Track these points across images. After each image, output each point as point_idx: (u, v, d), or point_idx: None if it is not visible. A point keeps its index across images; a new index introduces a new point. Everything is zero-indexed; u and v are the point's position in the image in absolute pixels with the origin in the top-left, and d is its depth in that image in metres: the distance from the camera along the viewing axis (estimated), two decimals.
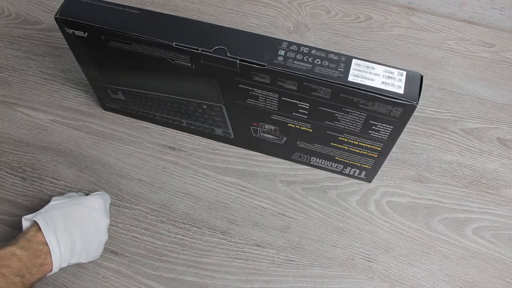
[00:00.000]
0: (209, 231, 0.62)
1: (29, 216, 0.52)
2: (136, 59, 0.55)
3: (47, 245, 0.49)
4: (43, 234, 0.49)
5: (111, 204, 0.63)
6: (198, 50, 0.50)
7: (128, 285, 0.58)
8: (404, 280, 0.58)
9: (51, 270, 0.50)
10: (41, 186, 0.65)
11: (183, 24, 0.52)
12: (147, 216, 0.63)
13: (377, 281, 0.58)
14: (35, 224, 0.50)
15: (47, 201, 0.63)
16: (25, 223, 0.51)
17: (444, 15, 0.85)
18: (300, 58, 0.49)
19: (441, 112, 0.72)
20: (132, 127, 0.70)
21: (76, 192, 0.63)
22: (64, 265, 0.51)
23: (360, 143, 0.56)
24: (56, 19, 0.53)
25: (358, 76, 0.48)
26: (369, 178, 0.64)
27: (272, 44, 0.50)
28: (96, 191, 0.63)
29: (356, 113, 0.51)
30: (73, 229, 0.52)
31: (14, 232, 0.61)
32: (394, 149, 0.57)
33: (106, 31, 0.52)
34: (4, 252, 0.47)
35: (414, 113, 0.48)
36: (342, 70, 0.48)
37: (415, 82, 0.47)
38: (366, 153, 0.58)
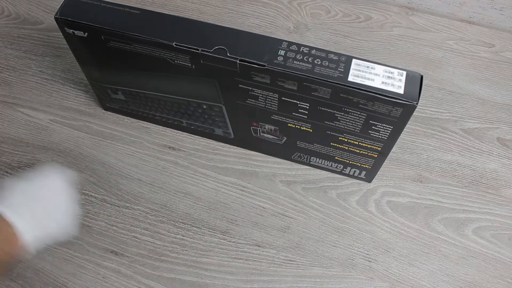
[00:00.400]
0: (209, 231, 0.62)
1: None
2: (136, 59, 0.55)
3: (6, 219, 0.46)
4: None
5: (111, 203, 0.63)
6: (198, 50, 0.50)
7: (128, 285, 0.58)
8: (404, 280, 0.58)
9: (21, 244, 0.47)
10: None
11: (183, 24, 0.52)
12: (147, 216, 0.63)
13: (377, 281, 0.58)
14: None
15: None
16: None
17: (444, 15, 0.85)
18: (300, 58, 0.49)
19: (441, 112, 0.72)
20: (132, 127, 0.70)
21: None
22: (36, 242, 0.49)
23: (360, 143, 0.56)
24: (56, 19, 0.53)
25: (358, 76, 0.48)
26: (369, 178, 0.64)
27: (272, 44, 0.50)
28: (96, 192, 0.63)
29: (356, 113, 0.51)
30: (33, 202, 0.50)
31: None
32: (394, 149, 0.57)
33: (106, 31, 0.52)
34: None
35: (414, 113, 0.48)
36: (342, 70, 0.48)
37: (415, 82, 0.47)
38: (366, 153, 0.58)
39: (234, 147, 0.68)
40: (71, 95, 0.73)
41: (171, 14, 0.53)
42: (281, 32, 0.80)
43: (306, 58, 0.49)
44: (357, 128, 0.53)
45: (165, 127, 0.70)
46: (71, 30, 0.54)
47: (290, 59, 0.49)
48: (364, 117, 0.51)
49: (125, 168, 0.66)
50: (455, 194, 0.64)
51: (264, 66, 0.49)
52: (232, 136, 0.66)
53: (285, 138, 0.61)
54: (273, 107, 0.55)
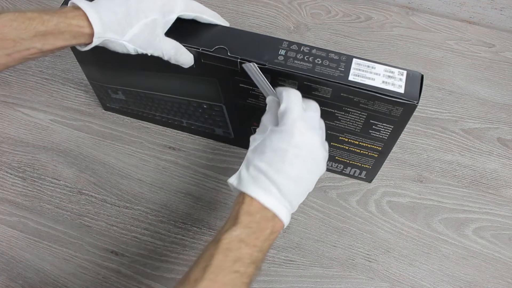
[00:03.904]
0: (209, 231, 0.62)
1: (233, 179, 0.42)
2: (136, 58, 0.55)
3: (269, 209, 0.40)
4: (259, 202, 0.40)
5: (111, 203, 0.63)
6: (199, 49, 0.50)
7: (128, 285, 0.58)
8: (404, 280, 0.58)
9: (283, 226, 0.41)
10: (41, 186, 0.65)
11: (184, 23, 0.52)
12: (147, 216, 0.62)
13: (377, 281, 0.58)
14: (242, 195, 0.41)
15: (47, 201, 0.63)
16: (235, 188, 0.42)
17: (444, 15, 0.85)
18: (300, 57, 0.49)
19: (441, 112, 0.72)
20: (132, 127, 0.70)
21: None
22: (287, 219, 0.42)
23: (360, 143, 0.56)
24: None
25: (358, 76, 0.48)
26: (369, 178, 0.64)
27: (273, 43, 0.50)
28: (96, 192, 0.63)
29: (357, 113, 0.51)
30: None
31: (15, 232, 0.61)
32: (394, 149, 0.57)
33: None
34: (230, 241, 0.38)
35: (414, 113, 0.48)
36: (343, 69, 0.48)
37: (416, 82, 0.47)
38: (367, 153, 0.58)
39: (235, 147, 0.68)
40: (71, 95, 0.73)
41: None
42: (281, 32, 0.80)
43: (306, 58, 0.49)
44: (358, 128, 0.53)
45: (165, 127, 0.70)
46: None
47: (291, 59, 0.49)
48: (364, 116, 0.51)
49: (125, 168, 0.66)
50: (455, 194, 0.64)
51: (265, 65, 0.49)
52: (233, 136, 0.66)
53: None
54: None
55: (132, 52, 0.46)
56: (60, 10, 0.43)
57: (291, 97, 0.43)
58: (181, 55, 0.49)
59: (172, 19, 0.47)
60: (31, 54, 0.42)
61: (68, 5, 0.44)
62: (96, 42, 0.44)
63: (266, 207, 0.40)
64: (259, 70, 0.47)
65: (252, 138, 0.44)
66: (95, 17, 0.43)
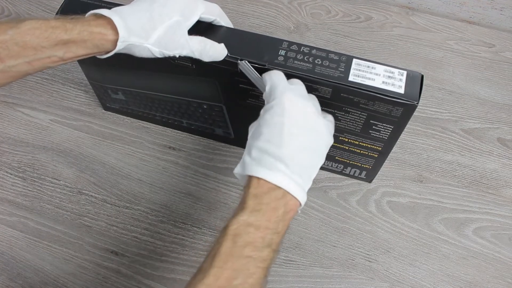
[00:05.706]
0: (209, 231, 0.62)
1: (238, 168, 0.42)
2: (136, 59, 0.55)
3: (278, 187, 0.39)
4: (267, 181, 0.39)
5: (111, 204, 0.63)
6: None
7: (128, 285, 0.58)
8: (404, 280, 0.58)
9: (298, 204, 0.41)
10: (41, 186, 0.65)
11: None
12: (147, 216, 0.62)
13: (377, 281, 0.58)
14: (249, 179, 0.41)
15: (47, 201, 0.63)
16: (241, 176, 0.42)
17: (444, 15, 0.85)
18: (300, 58, 0.49)
19: (441, 112, 0.72)
20: (132, 127, 0.70)
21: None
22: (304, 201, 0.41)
23: (360, 143, 0.56)
24: None
25: (358, 76, 0.48)
26: (369, 178, 0.64)
27: (273, 44, 0.50)
28: (96, 192, 0.63)
29: (357, 113, 0.51)
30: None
31: (15, 232, 0.61)
32: (394, 149, 0.57)
33: None
34: (238, 227, 0.37)
35: (414, 113, 0.48)
36: (343, 70, 0.48)
37: (416, 82, 0.47)
38: (367, 153, 0.58)
39: (235, 147, 0.68)
40: (71, 95, 0.73)
41: None
42: (281, 32, 0.80)
43: (306, 58, 0.49)
44: (358, 128, 0.53)
45: (165, 127, 0.70)
46: None
47: (291, 59, 0.49)
48: (364, 116, 0.51)
49: (125, 168, 0.66)
50: (456, 194, 0.64)
51: (265, 66, 0.49)
52: (233, 136, 0.66)
53: None
54: None
55: (158, 55, 0.46)
56: (83, 19, 0.43)
57: (273, 76, 0.45)
58: (210, 48, 0.48)
59: (193, 21, 0.48)
60: (52, 62, 0.42)
61: (87, 15, 0.44)
62: (120, 46, 0.44)
63: (274, 185, 0.39)
64: (251, 67, 0.48)
65: (250, 127, 0.46)
66: (120, 21, 0.43)
